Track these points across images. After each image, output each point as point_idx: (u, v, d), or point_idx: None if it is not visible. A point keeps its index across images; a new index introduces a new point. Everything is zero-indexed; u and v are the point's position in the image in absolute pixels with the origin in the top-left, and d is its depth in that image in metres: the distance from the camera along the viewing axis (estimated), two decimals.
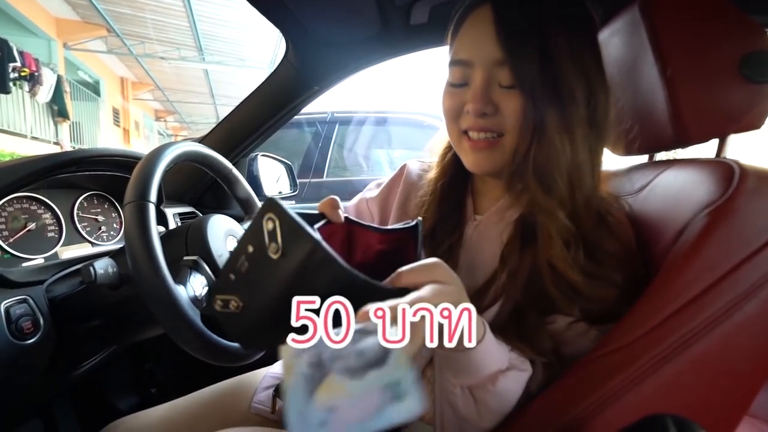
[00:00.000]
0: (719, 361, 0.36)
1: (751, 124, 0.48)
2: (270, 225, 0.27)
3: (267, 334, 0.31)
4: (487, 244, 0.49)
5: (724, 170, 0.41)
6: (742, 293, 0.36)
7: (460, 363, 0.37)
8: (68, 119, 6.61)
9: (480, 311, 0.43)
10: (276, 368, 0.69)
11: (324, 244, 0.26)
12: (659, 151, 0.56)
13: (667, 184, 0.48)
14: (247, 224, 0.74)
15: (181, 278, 0.52)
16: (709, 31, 0.47)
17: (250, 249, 0.29)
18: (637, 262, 0.43)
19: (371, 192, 0.64)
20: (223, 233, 0.63)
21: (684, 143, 0.49)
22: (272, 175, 1.23)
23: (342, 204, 0.39)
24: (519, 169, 0.43)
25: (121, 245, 0.72)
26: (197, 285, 0.54)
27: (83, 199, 0.77)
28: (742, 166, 0.40)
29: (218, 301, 0.31)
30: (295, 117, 1.02)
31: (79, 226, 0.74)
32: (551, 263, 0.42)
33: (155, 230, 0.50)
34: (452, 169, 0.53)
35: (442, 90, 0.49)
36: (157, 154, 0.56)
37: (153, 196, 0.51)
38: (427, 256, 0.46)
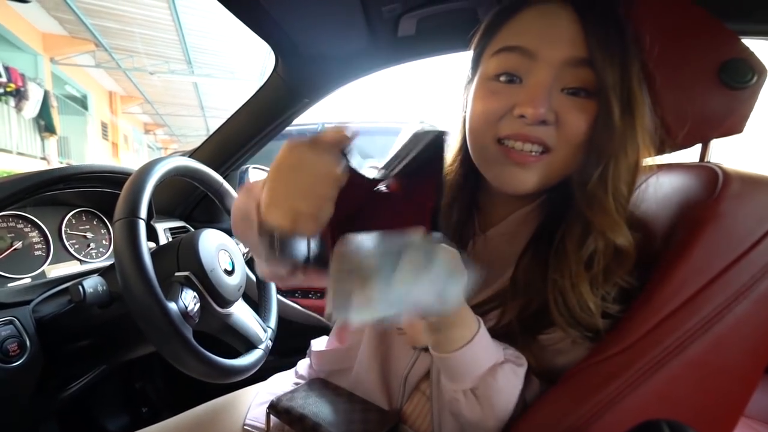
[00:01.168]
0: (713, 363, 0.37)
1: (732, 128, 0.49)
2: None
3: None
4: (497, 260, 0.46)
5: (708, 175, 0.41)
6: (732, 295, 0.36)
7: (459, 363, 0.38)
8: (55, 134, 6.53)
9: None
10: (269, 384, 0.68)
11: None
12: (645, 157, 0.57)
13: (654, 189, 0.49)
14: None
15: (172, 295, 0.52)
16: (689, 39, 0.48)
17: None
18: (635, 286, 0.41)
19: None
20: (215, 248, 0.62)
21: (669, 149, 0.51)
22: None
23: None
24: (582, 190, 0.39)
25: (111, 262, 0.71)
26: (189, 301, 0.53)
27: (71, 216, 0.76)
28: (725, 170, 0.41)
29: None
30: (286, 128, 1.02)
31: (67, 244, 0.73)
32: (561, 289, 0.39)
33: (146, 247, 0.49)
34: (462, 180, 0.49)
35: (473, 87, 0.43)
36: (146, 170, 0.55)
37: (143, 212, 0.51)
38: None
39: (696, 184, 0.42)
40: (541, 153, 0.40)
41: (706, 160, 0.51)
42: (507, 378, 0.40)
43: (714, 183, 0.40)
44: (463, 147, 0.48)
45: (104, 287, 0.55)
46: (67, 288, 0.64)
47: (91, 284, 0.53)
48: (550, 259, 0.41)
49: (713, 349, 0.37)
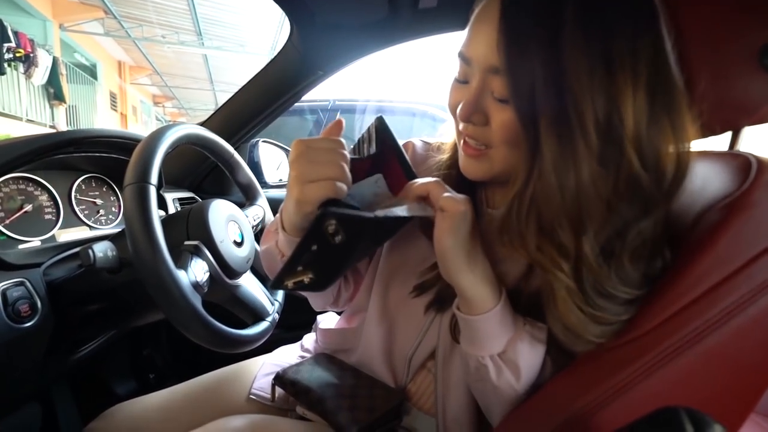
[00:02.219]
0: (731, 354, 0.36)
1: (766, 116, 0.46)
2: (332, 228, 0.34)
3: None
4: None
5: (741, 163, 0.40)
6: (757, 287, 0.35)
7: (488, 327, 0.40)
8: (65, 102, 6.51)
9: None
10: (275, 356, 0.69)
11: (366, 215, 0.35)
12: None
13: None
14: (249, 209, 0.73)
15: (182, 263, 0.52)
16: (728, 20, 0.46)
17: (314, 247, 0.35)
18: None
19: None
20: (225, 219, 0.62)
21: (698, 134, 0.48)
22: (273, 162, 1.21)
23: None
24: (513, 209, 0.38)
25: (120, 229, 0.71)
26: (198, 270, 0.53)
27: (81, 181, 0.75)
28: (760, 159, 0.39)
29: (289, 284, 0.37)
30: (297, 104, 1.00)
31: (77, 209, 0.73)
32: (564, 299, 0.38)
33: (156, 213, 0.48)
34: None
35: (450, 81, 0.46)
36: (157, 135, 0.54)
37: (154, 178, 0.50)
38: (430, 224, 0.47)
39: (727, 171, 0.40)
40: (485, 148, 0.42)
41: (735, 148, 0.49)
42: (529, 343, 0.41)
43: (746, 171, 0.38)
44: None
45: (114, 252, 0.54)
46: (77, 253, 0.65)
47: (101, 249, 0.53)
48: None
49: (732, 342, 0.36)
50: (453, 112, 0.44)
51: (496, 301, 0.40)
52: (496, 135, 0.40)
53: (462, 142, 0.44)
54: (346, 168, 0.38)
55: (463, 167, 0.45)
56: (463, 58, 0.41)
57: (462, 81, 0.43)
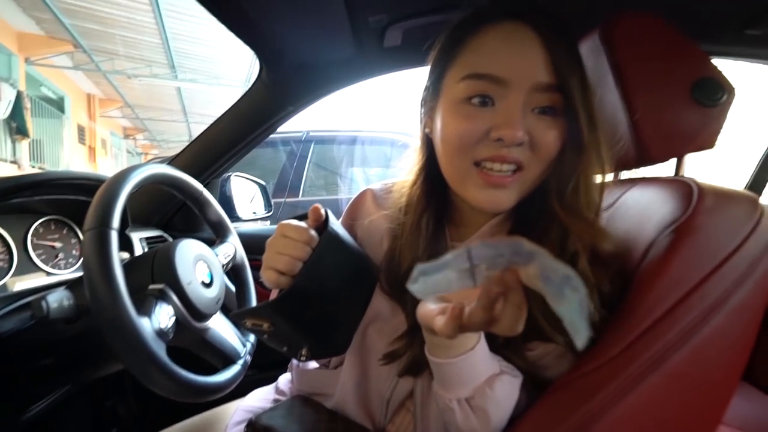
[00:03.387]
0: (692, 373, 0.37)
1: (704, 144, 0.51)
2: (250, 323, 0.44)
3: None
4: None
5: (684, 189, 0.43)
6: (708, 307, 0.37)
7: (458, 370, 0.38)
8: (28, 137, 6.27)
9: None
10: (248, 400, 0.65)
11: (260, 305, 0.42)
12: (624, 170, 0.59)
13: (633, 202, 0.50)
14: (219, 247, 0.71)
15: (145, 309, 0.49)
16: (664, 58, 0.50)
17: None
18: (616, 293, 0.42)
19: None
20: (192, 259, 0.60)
21: (646, 162, 0.52)
22: (246, 196, 1.20)
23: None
24: (560, 201, 0.41)
25: (80, 274, 0.67)
26: (163, 316, 0.50)
27: (39, 224, 0.72)
28: (700, 185, 0.42)
29: (248, 323, 0.43)
30: (270, 136, 1.01)
31: (33, 254, 0.69)
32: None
33: (117, 259, 0.47)
34: (427, 197, 0.49)
35: (440, 108, 0.44)
36: (121, 177, 0.53)
37: (115, 222, 0.48)
38: (399, 291, 0.47)
39: (672, 198, 0.43)
40: (515, 171, 0.41)
41: (680, 174, 0.53)
42: (504, 389, 0.39)
43: (689, 197, 0.41)
44: (427, 164, 0.49)
45: (71, 301, 0.52)
46: (29, 303, 0.61)
47: (56, 299, 0.50)
48: None
49: (692, 361, 0.37)
50: (463, 142, 0.41)
51: (470, 346, 0.38)
52: (542, 152, 0.40)
53: (481, 173, 0.41)
54: (297, 263, 0.41)
55: (485, 201, 0.43)
56: (491, 78, 0.39)
57: (484, 100, 0.40)
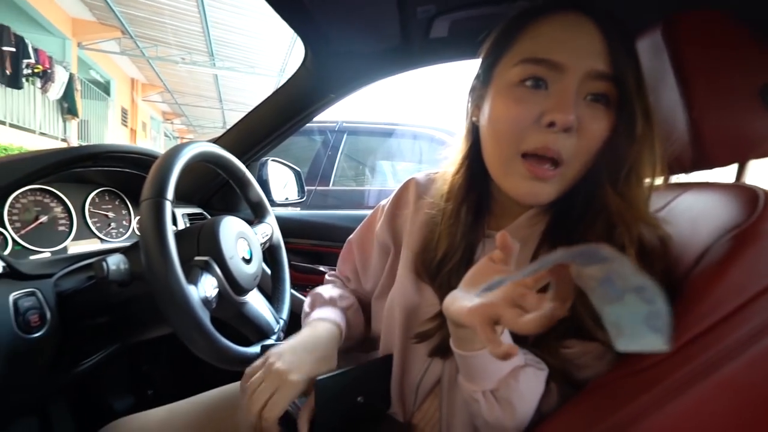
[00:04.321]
0: (745, 386, 0.35)
1: None
2: None
3: None
4: None
5: (748, 195, 0.40)
6: None
7: (481, 362, 0.38)
8: (77, 117, 6.67)
9: None
10: None
11: None
12: (678, 173, 0.56)
13: (687, 206, 0.48)
14: (258, 227, 0.74)
15: (192, 278, 0.52)
16: (731, 58, 0.48)
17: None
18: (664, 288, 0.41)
19: (375, 223, 0.61)
20: (235, 235, 0.63)
21: (704, 166, 0.49)
22: (281, 181, 1.23)
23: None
24: (602, 190, 0.41)
25: (131, 243, 0.71)
26: (208, 286, 0.53)
27: (95, 194, 0.77)
28: (766, 192, 0.40)
29: None
30: (307, 125, 1.03)
31: (89, 222, 0.74)
32: None
33: (171, 228, 0.49)
34: (468, 186, 0.49)
35: (490, 94, 0.44)
36: (175, 152, 0.56)
37: (170, 194, 0.51)
38: (432, 275, 0.47)
39: (733, 203, 0.41)
40: (554, 167, 0.41)
41: (741, 180, 0.50)
42: (529, 381, 0.39)
43: (754, 203, 0.39)
44: (470, 153, 0.49)
45: (126, 265, 0.55)
46: (88, 264, 0.65)
47: (114, 261, 0.54)
48: None
49: (746, 373, 0.35)
50: (513, 127, 0.41)
51: None
52: (588, 141, 0.40)
53: (527, 163, 0.41)
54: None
55: (525, 194, 0.43)
56: (548, 63, 0.40)
57: (537, 83, 0.40)
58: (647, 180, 0.43)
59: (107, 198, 0.80)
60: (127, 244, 0.77)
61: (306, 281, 1.08)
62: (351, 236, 0.66)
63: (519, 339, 0.42)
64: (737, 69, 0.47)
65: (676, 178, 0.59)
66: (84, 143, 7.03)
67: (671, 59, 0.48)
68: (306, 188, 1.32)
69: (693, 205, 0.47)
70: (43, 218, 0.67)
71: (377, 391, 0.50)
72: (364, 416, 0.48)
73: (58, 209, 0.70)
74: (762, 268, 0.36)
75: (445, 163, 0.54)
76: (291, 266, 1.12)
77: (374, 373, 0.50)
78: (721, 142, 0.47)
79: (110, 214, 0.79)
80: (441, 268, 0.48)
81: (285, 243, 0.80)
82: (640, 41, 0.54)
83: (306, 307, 0.60)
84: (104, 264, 0.52)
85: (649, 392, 0.36)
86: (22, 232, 0.64)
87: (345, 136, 2.18)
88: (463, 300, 0.36)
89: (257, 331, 0.64)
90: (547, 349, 0.42)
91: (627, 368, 0.38)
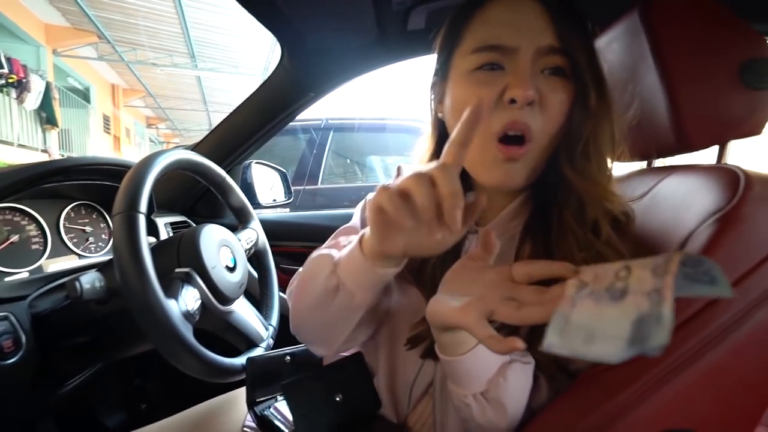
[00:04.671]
0: (730, 370, 0.36)
1: (751, 130, 0.47)
2: None
3: None
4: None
5: (729, 177, 0.40)
6: (753, 301, 0.35)
7: (467, 366, 0.38)
8: (57, 126, 6.52)
9: None
10: None
11: None
12: (660, 157, 0.56)
13: (670, 191, 0.47)
14: (242, 233, 0.72)
15: (172, 291, 0.50)
16: (709, 38, 0.47)
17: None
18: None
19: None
20: (217, 244, 0.61)
21: (685, 149, 0.49)
22: (266, 183, 1.21)
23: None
24: (571, 164, 0.42)
25: (110, 257, 0.69)
26: (189, 298, 0.52)
27: (70, 209, 0.74)
28: (747, 173, 0.39)
29: None
30: (290, 124, 1.01)
31: (65, 238, 0.72)
32: (575, 264, 0.40)
33: (145, 242, 0.48)
34: None
35: (450, 84, 0.44)
36: (147, 163, 0.54)
37: (143, 206, 0.49)
38: (416, 273, 0.46)
39: (715, 186, 0.40)
40: (522, 143, 0.41)
41: (723, 162, 0.50)
42: (517, 377, 0.39)
43: (735, 185, 0.39)
44: (438, 148, 0.50)
45: (102, 283, 0.53)
46: (64, 283, 0.63)
47: (89, 280, 0.52)
48: (554, 240, 0.42)
49: (731, 356, 0.35)
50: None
51: (475, 341, 0.37)
52: (550, 113, 0.41)
53: (500, 146, 0.41)
54: None
55: (499, 177, 0.43)
56: (500, 48, 0.41)
57: (492, 67, 0.41)
58: (609, 160, 0.44)
59: (83, 212, 0.77)
60: (107, 258, 0.75)
61: None
62: (338, 230, 0.64)
63: (517, 332, 0.42)
64: (716, 48, 0.47)
65: (662, 162, 0.59)
66: (66, 153, 6.89)
67: (648, 41, 0.47)
68: (294, 188, 1.31)
69: (676, 189, 0.46)
70: (15, 238, 0.64)
71: (357, 390, 0.49)
72: (351, 417, 0.47)
73: (30, 227, 0.68)
74: (742, 253, 0.36)
75: (413, 162, 0.53)
76: (280, 269, 1.11)
77: (344, 371, 0.49)
78: (700, 124, 0.46)
79: (87, 229, 0.77)
80: (425, 265, 0.47)
81: (273, 246, 0.79)
82: (619, 24, 0.53)
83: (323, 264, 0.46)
84: (77, 284, 0.50)
85: (637, 382, 0.36)
86: None
87: (331, 133, 2.16)
88: (449, 302, 0.35)
89: (246, 340, 0.63)
90: (538, 343, 0.42)
91: None
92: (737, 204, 0.37)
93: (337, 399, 0.46)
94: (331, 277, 0.41)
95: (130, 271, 0.45)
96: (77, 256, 0.73)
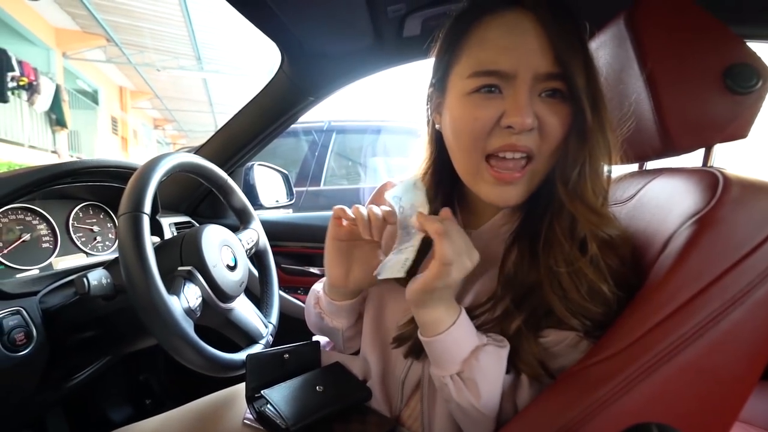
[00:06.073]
0: (707, 368, 0.37)
1: (735, 133, 0.48)
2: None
3: None
4: (486, 259, 0.47)
5: (709, 180, 0.41)
6: (728, 301, 0.36)
7: (443, 346, 0.41)
8: (66, 128, 6.62)
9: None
10: None
11: None
12: (649, 160, 0.57)
13: (656, 193, 0.48)
14: (243, 233, 0.74)
15: (174, 289, 0.53)
16: (693, 43, 0.48)
17: None
18: (631, 274, 0.42)
19: None
20: (218, 243, 0.63)
21: (671, 153, 0.50)
22: (269, 184, 1.23)
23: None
24: (565, 188, 0.42)
25: (116, 256, 0.72)
26: (191, 295, 0.54)
27: (78, 209, 0.77)
28: (726, 175, 0.41)
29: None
30: (292, 126, 1.03)
31: (74, 237, 0.75)
32: (558, 275, 0.41)
33: (149, 241, 0.50)
34: (435, 187, 0.51)
35: (447, 104, 0.45)
36: (151, 165, 0.56)
37: (147, 207, 0.52)
38: (410, 272, 0.48)
39: (696, 189, 0.42)
40: (525, 164, 0.42)
41: (709, 165, 0.51)
42: (489, 358, 0.41)
43: (714, 188, 0.40)
44: (437, 159, 0.51)
45: (109, 280, 0.56)
46: (72, 280, 0.66)
47: (96, 277, 0.54)
48: (541, 249, 0.43)
49: (707, 354, 0.37)
50: (476, 133, 0.42)
51: (451, 322, 0.41)
52: (549, 136, 0.41)
53: (492, 169, 0.42)
54: None
55: (497, 198, 0.44)
56: (498, 74, 0.41)
57: (490, 89, 0.41)
58: (606, 169, 0.44)
59: (91, 212, 0.80)
60: (113, 256, 0.77)
61: (297, 283, 1.09)
62: None
63: (503, 331, 0.43)
64: (700, 53, 0.48)
65: (652, 164, 0.60)
66: (74, 154, 6.99)
67: (633, 47, 0.49)
68: (297, 190, 1.33)
69: (661, 191, 0.48)
70: (26, 236, 0.67)
71: (337, 380, 0.53)
72: (341, 407, 0.49)
73: (41, 226, 0.70)
74: (718, 254, 0.37)
75: (412, 167, 0.55)
76: (281, 269, 1.13)
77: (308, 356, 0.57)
78: (685, 128, 0.48)
79: (95, 228, 0.79)
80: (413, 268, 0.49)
81: (275, 246, 0.81)
82: (606, 30, 0.54)
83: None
84: (85, 280, 0.52)
85: (616, 378, 0.37)
86: (5, 251, 0.64)
87: (334, 135, 2.18)
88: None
89: (246, 337, 0.65)
90: (524, 338, 0.43)
91: (595, 357, 0.39)
92: (715, 206, 0.38)
93: (318, 389, 0.50)
94: (316, 306, 0.57)
95: (134, 268, 0.47)
96: (85, 255, 0.76)
